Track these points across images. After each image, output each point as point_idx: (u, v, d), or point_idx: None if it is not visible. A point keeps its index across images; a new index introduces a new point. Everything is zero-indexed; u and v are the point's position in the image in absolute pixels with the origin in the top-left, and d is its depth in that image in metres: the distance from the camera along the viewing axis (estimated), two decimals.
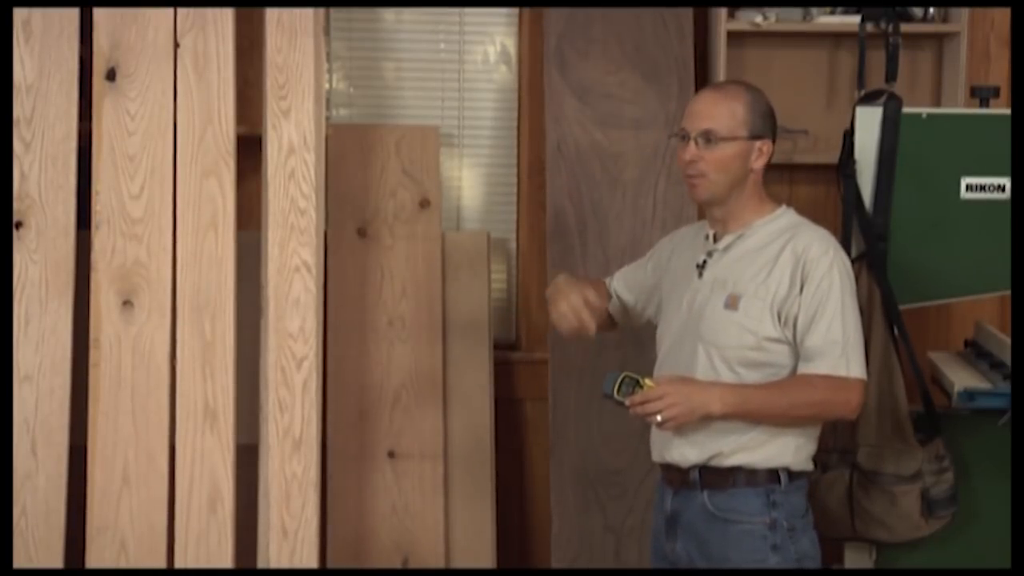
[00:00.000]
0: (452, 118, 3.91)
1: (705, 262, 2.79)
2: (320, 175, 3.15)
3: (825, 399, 2.65)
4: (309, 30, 3.14)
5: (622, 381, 2.63)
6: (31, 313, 3.10)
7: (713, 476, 2.71)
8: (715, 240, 2.80)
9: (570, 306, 2.81)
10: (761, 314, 2.67)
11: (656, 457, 2.84)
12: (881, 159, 3.26)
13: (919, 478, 3.16)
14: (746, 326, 2.68)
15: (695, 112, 2.75)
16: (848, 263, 2.74)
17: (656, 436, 2.82)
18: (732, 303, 2.70)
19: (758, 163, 2.75)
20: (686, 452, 2.73)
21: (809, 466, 2.76)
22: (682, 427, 2.66)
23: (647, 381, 2.64)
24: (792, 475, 2.71)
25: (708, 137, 2.71)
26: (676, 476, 2.77)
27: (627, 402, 2.63)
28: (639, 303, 3.01)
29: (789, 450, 2.70)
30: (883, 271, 3.23)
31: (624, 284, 3.04)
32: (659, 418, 2.61)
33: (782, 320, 2.67)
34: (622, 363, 3.47)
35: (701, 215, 3.42)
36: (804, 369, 2.67)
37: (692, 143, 2.72)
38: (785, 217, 2.78)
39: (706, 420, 2.64)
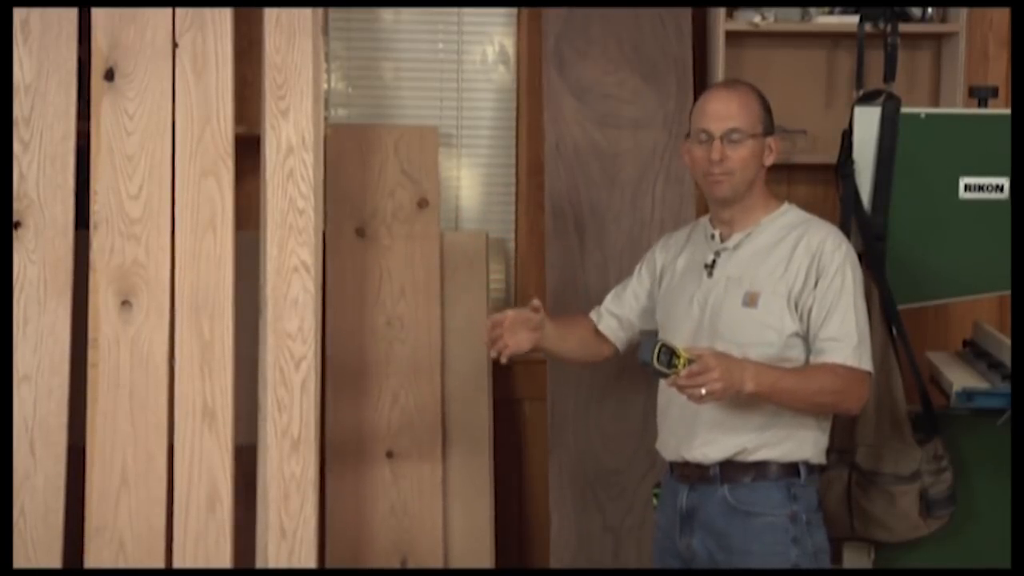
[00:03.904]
0: (450, 118, 3.91)
1: (714, 261, 2.81)
2: (319, 175, 3.15)
3: (845, 388, 2.70)
4: (308, 30, 3.13)
5: (660, 350, 2.58)
6: (29, 313, 3.09)
7: (734, 471, 2.74)
8: (722, 239, 2.82)
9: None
10: (782, 311, 2.72)
11: (671, 456, 2.85)
12: (879, 159, 3.27)
13: (917, 478, 3.16)
14: (768, 323, 2.72)
15: (716, 112, 2.77)
16: (856, 258, 2.79)
17: (671, 435, 2.84)
18: (751, 301, 2.73)
19: (769, 159, 2.81)
20: (707, 452, 2.75)
21: (824, 460, 2.81)
22: (718, 402, 2.64)
23: (683, 351, 2.59)
24: (810, 468, 2.76)
25: (734, 136, 2.74)
26: (693, 472, 2.78)
27: (672, 375, 2.57)
28: (634, 311, 3.03)
29: (808, 443, 2.75)
30: (882, 271, 3.23)
31: (615, 301, 3.06)
32: (703, 391, 2.56)
33: (798, 313, 2.72)
34: (620, 365, 3.47)
35: (699, 215, 3.43)
36: (818, 360, 2.70)
37: (718, 142, 2.74)
38: (791, 213, 2.83)
39: (735, 398, 2.63)
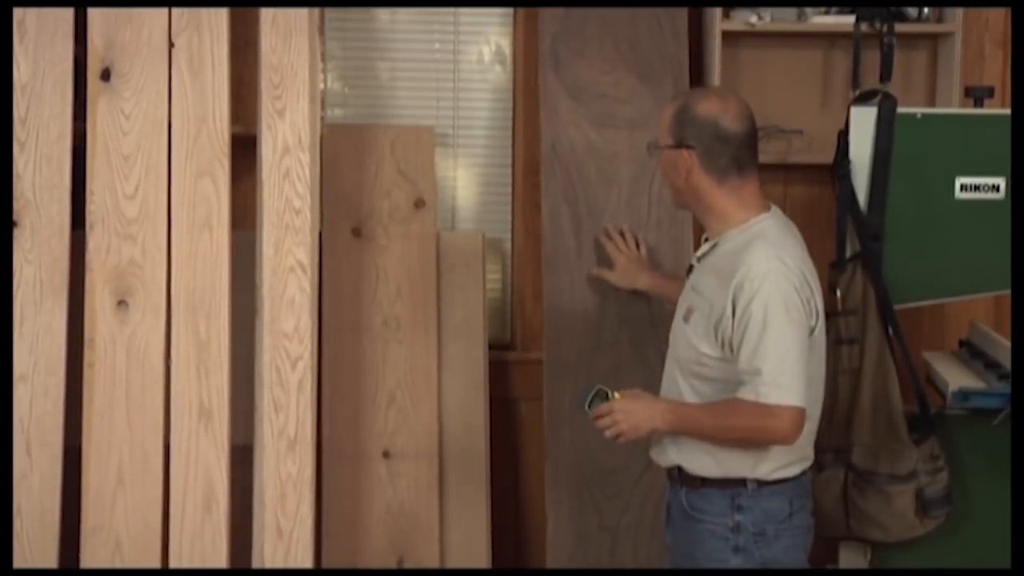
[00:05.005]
0: (447, 118, 3.91)
1: (691, 267, 2.81)
2: (315, 175, 3.15)
3: (749, 425, 2.59)
4: (304, 30, 3.14)
5: (595, 394, 2.73)
6: (26, 313, 3.09)
7: (687, 475, 2.74)
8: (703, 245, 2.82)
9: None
10: (705, 331, 2.65)
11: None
12: (876, 159, 3.27)
13: (914, 478, 3.16)
14: (691, 340, 2.68)
15: None
16: (790, 283, 2.58)
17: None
18: (687, 315, 2.72)
19: (686, 172, 2.69)
20: (657, 458, 2.81)
21: (787, 473, 2.68)
22: (634, 440, 2.72)
23: (615, 395, 2.72)
24: (762, 483, 2.67)
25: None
26: (666, 471, 2.82)
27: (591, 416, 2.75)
28: None
29: (747, 466, 2.66)
30: (878, 271, 3.23)
31: None
32: (607, 433, 2.70)
33: (719, 339, 2.62)
34: (617, 362, 3.48)
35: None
36: (738, 393, 2.60)
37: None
38: (758, 226, 2.67)
39: (657, 433, 2.73)
